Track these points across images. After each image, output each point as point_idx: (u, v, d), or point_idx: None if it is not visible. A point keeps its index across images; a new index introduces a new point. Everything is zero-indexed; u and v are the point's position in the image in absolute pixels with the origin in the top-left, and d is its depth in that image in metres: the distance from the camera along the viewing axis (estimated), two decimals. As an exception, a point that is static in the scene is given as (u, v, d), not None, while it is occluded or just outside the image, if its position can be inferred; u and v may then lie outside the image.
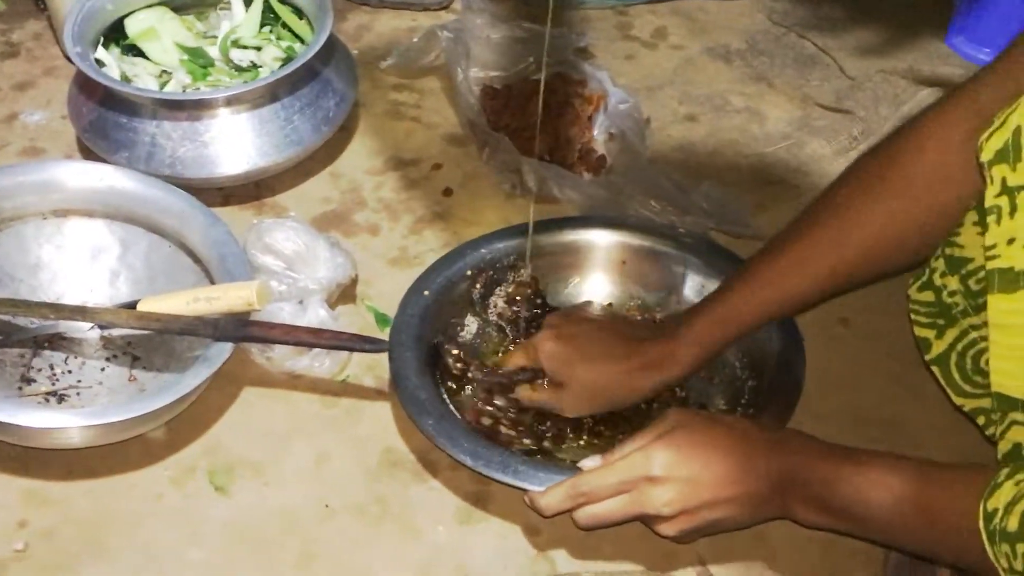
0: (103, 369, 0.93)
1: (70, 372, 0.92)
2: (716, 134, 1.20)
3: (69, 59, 1.05)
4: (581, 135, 1.14)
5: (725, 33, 1.35)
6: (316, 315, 0.92)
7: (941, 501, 0.69)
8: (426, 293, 0.94)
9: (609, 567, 0.80)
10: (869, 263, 0.83)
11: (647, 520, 0.78)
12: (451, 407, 0.87)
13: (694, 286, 0.97)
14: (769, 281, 0.84)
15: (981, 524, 0.64)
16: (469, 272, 0.97)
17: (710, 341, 0.86)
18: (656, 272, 0.99)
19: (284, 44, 1.15)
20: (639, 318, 0.98)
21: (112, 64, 1.10)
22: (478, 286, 0.97)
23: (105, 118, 1.05)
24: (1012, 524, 0.62)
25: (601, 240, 1.00)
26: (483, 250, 0.98)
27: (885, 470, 0.72)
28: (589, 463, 0.79)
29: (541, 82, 0.95)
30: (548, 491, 0.79)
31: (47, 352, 0.93)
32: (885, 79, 1.26)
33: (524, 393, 0.88)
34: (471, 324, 0.97)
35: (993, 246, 0.69)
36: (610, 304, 1.00)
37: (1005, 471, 0.64)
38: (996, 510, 0.63)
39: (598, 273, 1.00)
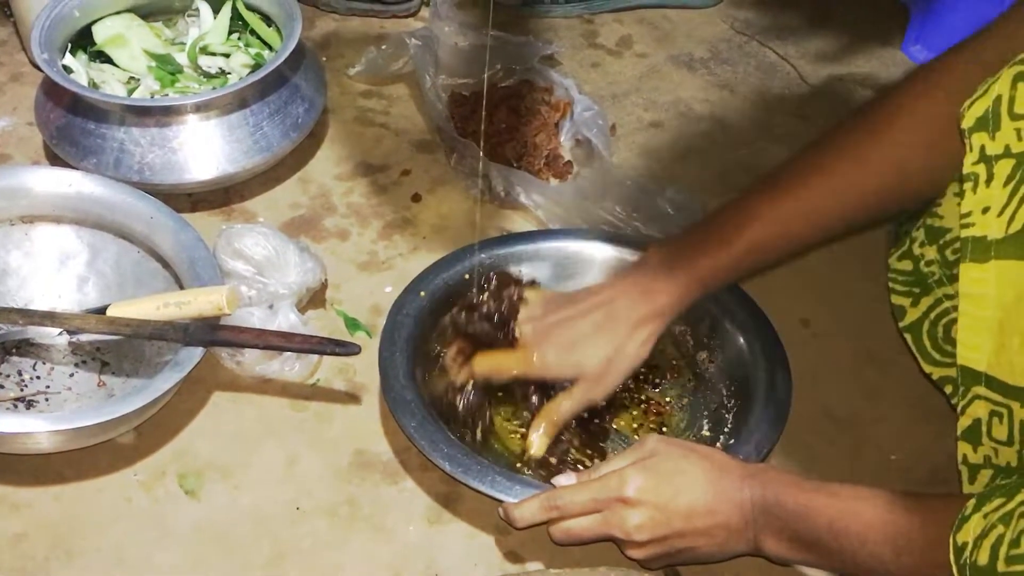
0: (72, 375, 0.93)
1: (39, 378, 0.92)
2: (680, 140, 1.22)
3: (36, 65, 1.05)
4: (548, 141, 1.15)
5: (689, 42, 1.37)
6: (286, 319, 0.93)
7: (909, 531, 0.68)
8: (422, 294, 0.95)
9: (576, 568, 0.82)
10: (873, 208, 0.82)
11: (618, 542, 0.79)
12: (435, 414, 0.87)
13: None
14: (773, 229, 0.82)
15: (952, 558, 0.63)
16: (467, 276, 0.96)
17: (712, 283, 0.85)
18: None
19: (253, 51, 1.16)
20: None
21: (80, 70, 1.10)
22: (474, 291, 0.97)
23: (73, 124, 1.05)
24: (982, 558, 0.61)
25: (599, 254, 1.00)
26: (482, 255, 0.98)
27: (856, 499, 0.71)
28: (563, 480, 0.80)
29: (484, 85, 0.96)
30: (522, 503, 0.80)
31: (15, 358, 0.93)
32: (844, 87, 1.29)
33: (562, 409, 0.85)
34: None
35: (968, 214, 0.69)
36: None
37: (972, 502, 0.63)
38: (966, 544, 0.62)
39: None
